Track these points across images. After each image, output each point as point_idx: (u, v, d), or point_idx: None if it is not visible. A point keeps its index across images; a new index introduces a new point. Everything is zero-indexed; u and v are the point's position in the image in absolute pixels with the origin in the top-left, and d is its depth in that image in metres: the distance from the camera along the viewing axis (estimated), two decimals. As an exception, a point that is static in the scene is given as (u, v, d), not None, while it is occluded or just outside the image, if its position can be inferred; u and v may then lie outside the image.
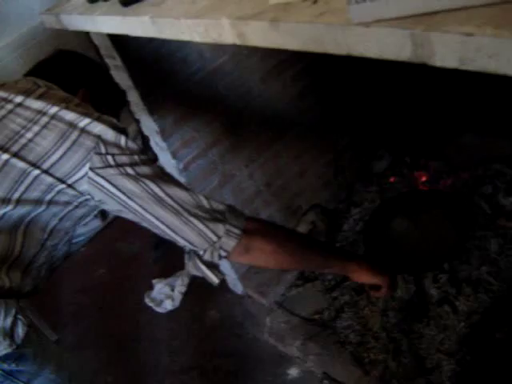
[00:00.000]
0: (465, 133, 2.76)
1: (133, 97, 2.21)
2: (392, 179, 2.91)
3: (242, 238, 1.38)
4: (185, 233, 1.34)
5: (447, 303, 2.22)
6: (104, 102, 1.64)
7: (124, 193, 1.29)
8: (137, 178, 1.28)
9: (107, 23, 1.66)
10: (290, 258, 1.55)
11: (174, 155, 2.31)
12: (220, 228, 1.35)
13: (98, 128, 1.28)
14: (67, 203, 1.34)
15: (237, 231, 1.37)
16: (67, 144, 1.26)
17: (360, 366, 2.23)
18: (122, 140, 1.30)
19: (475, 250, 2.35)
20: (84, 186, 1.29)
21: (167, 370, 2.71)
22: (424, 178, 2.81)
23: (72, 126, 1.28)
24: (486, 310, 2.16)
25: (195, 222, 1.33)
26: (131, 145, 1.32)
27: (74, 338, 3.14)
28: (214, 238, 1.35)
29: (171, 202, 1.31)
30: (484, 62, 0.70)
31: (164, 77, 2.18)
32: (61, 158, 1.26)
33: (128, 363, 2.84)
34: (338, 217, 2.86)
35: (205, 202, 1.35)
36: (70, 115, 1.29)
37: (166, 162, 2.39)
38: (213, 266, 1.43)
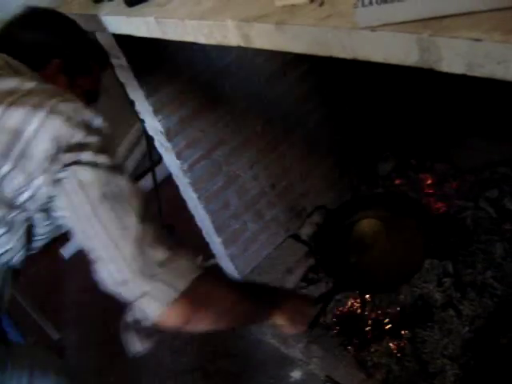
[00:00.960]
0: (471, 136, 2.74)
1: (138, 97, 2.20)
2: (397, 181, 2.90)
3: (176, 304, 1.11)
4: (110, 268, 1.12)
5: (451, 307, 2.21)
6: (81, 69, 1.49)
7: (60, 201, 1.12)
8: (77, 184, 1.09)
9: (112, 23, 1.65)
10: (227, 326, 1.33)
11: (179, 156, 2.31)
12: (144, 282, 1.10)
13: (49, 132, 1.09)
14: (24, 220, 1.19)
15: (170, 293, 1.11)
16: (12, 158, 1.09)
17: (363, 369, 2.21)
18: (77, 136, 1.10)
19: (480, 254, 2.34)
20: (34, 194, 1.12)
21: (169, 371, 2.70)
22: (429, 181, 2.79)
23: (17, 135, 1.09)
24: (491, 315, 2.14)
25: (119, 259, 1.10)
26: (90, 139, 1.11)
27: (76, 337, 3.14)
28: (137, 292, 1.11)
29: (96, 225, 1.10)
30: (492, 69, 0.69)
31: (169, 77, 2.18)
32: (8, 174, 1.10)
33: (130, 363, 2.83)
34: (343, 218, 2.84)
35: (149, 239, 1.11)
36: (14, 119, 1.09)
37: (171, 162, 2.39)
38: (140, 328, 1.19)
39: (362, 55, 0.88)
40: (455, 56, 0.73)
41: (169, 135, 2.26)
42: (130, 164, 4.06)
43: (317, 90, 2.65)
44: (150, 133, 2.38)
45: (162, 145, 2.34)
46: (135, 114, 2.37)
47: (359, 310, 2.39)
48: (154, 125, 2.26)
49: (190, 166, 2.36)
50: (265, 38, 1.04)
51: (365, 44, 0.86)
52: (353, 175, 2.95)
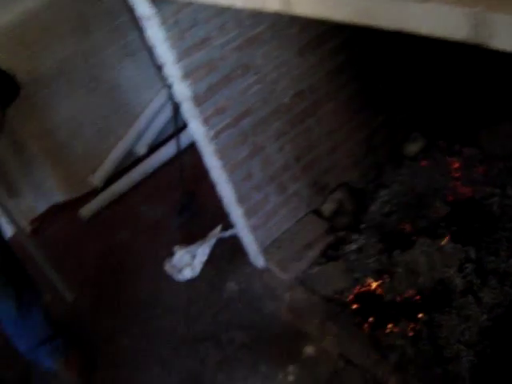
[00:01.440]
0: (503, 122, 2.70)
1: (167, 60, 2.17)
2: (424, 163, 2.85)
3: None
4: None
5: (471, 294, 2.18)
6: None
7: None
8: None
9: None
10: None
11: (206, 123, 2.28)
12: None
13: None
14: None
15: None
16: None
17: (377, 350, 2.20)
18: None
19: (504, 242, 2.30)
20: None
21: (182, 338, 2.70)
22: (456, 165, 2.75)
23: None
24: (511, 304, 2.11)
25: None
26: None
27: (91, 298, 3.15)
28: None
29: None
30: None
31: (201, 41, 2.14)
32: None
33: (144, 328, 2.84)
34: (366, 197, 2.82)
35: None
36: None
37: (197, 129, 2.36)
38: None
39: (408, 27, 0.84)
40: (510, 33, 0.70)
41: (197, 101, 2.23)
42: (154, 130, 4.06)
43: (349, 64, 2.60)
44: (178, 98, 2.35)
45: (188, 111, 2.31)
46: (162, 79, 2.35)
47: (379, 290, 2.37)
48: (182, 90, 2.23)
49: (215, 133, 2.33)
50: (306, 4, 1.01)
51: (413, 15, 0.82)
52: (379, 154, 2.91)
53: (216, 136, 2.34)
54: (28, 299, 2.62)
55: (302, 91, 2.51)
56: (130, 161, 4.04)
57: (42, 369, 2.75)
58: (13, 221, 2.94)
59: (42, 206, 3.95)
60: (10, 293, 2.52)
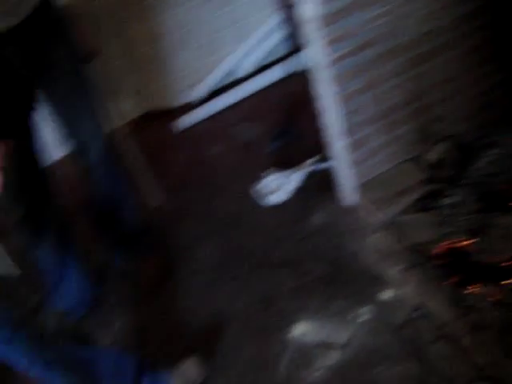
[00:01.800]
0: None
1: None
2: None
3: None
4: None
5: None
6: None
7: None
8: None
9: None
10: None
11: (328, 46, 2.22)
12: None
13: None
14: None
15: None
16: None
17: (457, 307, 2.16)
18: None
19: None
20: None
21: (260, 261, 2.72)
22: None
23: None
24: None
25: None
26: None
27: (175, 207, 3.20)
28: None
29: None
30: None
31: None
32: None
33: (223, 245, 2.87)
34: (472, 154, 2.72)
35: None
36: None
37: (316, 52, 2.31)
38: None
39: None
40: None
41: (324, 22, 2.17)
42: (262, 51, 4.01)
43: (484, 11, 2.46)
44: (301, 18, 2.29)
45: (312, 32, 2.25)
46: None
47: (468, 249, 2.32)
48: (311, 8, 2.16)
49: (335, 59, 2.27)
50: None
51: None
52: (493, 112, 2.79)
53: (335, 62, 2.27)
54: (122, 194, 2.67)
55: (429, 32, 2.40)
56: (233, 79, 4.02)
57: (121, 266, 2.82)
58: (111, 119, 2.97)
59: (137, 111, 3.99)
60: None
